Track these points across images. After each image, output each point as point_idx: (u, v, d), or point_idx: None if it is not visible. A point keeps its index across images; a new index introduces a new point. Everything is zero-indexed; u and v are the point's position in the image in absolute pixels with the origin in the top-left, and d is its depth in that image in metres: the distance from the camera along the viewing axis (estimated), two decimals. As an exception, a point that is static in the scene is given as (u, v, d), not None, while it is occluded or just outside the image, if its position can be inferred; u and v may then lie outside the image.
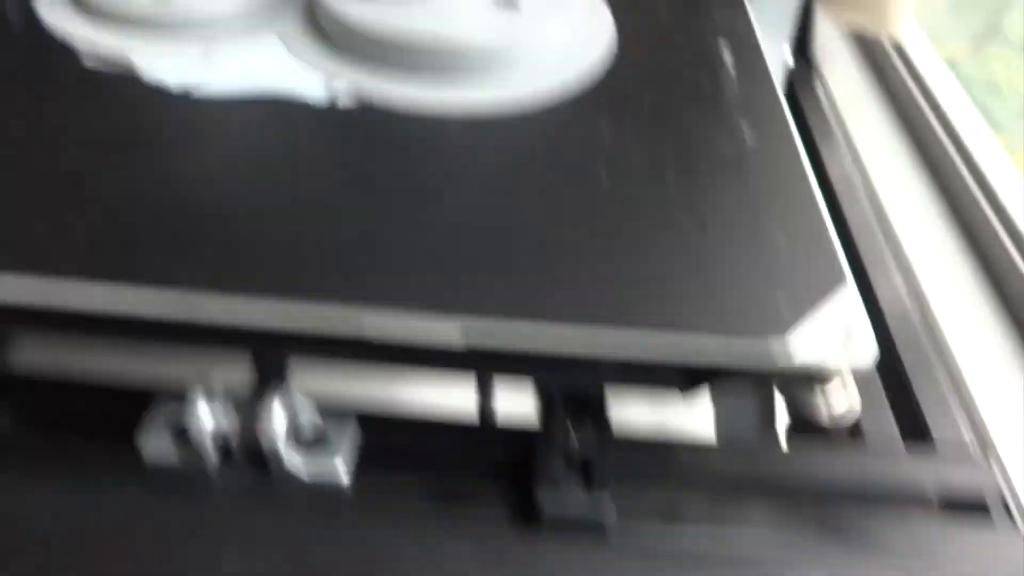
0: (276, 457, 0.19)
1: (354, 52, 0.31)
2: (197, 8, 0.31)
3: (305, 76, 0.30)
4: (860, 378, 0.23)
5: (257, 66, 0.30)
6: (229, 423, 0.20)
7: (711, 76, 0.32)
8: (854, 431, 0.23)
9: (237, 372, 0.22)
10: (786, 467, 0.22)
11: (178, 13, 0.31)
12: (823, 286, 0.22)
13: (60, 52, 0.31)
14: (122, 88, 0.29)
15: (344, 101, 0.29)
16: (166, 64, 0.30)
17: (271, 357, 0.23)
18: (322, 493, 0.20)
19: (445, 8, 0.31)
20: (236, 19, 0.32)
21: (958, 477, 0.22)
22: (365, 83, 0.30)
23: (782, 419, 0.25)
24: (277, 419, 0.19)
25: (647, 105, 0.30)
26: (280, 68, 0.30)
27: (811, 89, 0.46)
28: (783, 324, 0.20)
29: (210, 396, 0.20)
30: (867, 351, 0.20)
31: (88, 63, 0.30)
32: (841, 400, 0.22)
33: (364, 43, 0.30)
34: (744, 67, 0.33)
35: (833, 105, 0.45)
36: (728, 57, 0.33)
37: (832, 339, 0.20)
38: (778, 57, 0.45)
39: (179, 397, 0.20)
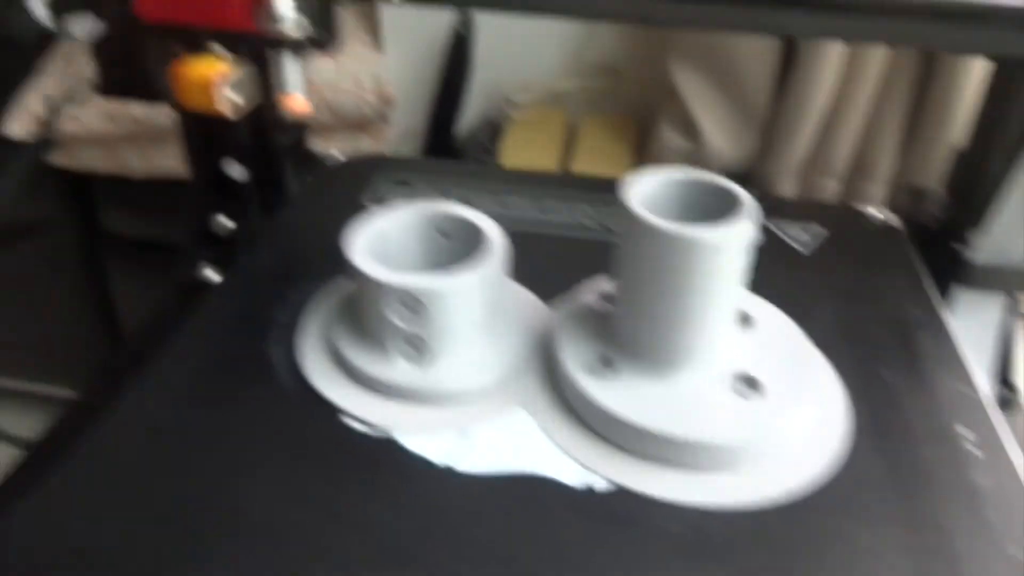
0: None
1: (603, 434, 0.32)
2: (453, 383, 0.33)
3: (558, 458, 0.31)
4: None
5: (512, 446, 0.32)
6: None
7: (955, 467, 0.32)
8: None
9: None
10: None
11: (435, 386, 0.33)
12: None
13: (326, 414, 0.33)
14: (384, 456, 0.31)
15: (599, 485, 0.30)
16: (426, 438, 0.32)
17: None
18: None
19: (689, 395, 0.32)
20: (489, 393, 0.34)
21: None
22: (614, 467, 0.31)
23: None
24: None
25: (894, 499, 0.30)
26: (534, 449, 0.32)
27: (1018, 419, 0.45)
28: None
29: None
30: None
31: (352, 426, 0.33)
32: None
33: (608, 426, 0.32)
34: (989, 452, 0.33)
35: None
36: (970, 443, 0.33)
37: None
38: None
39: None
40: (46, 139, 0.46)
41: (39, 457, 0.40)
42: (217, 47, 0.36)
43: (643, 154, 0.79)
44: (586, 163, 0.77)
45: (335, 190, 0.50)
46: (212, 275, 0.52)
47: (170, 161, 0.92)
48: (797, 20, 0.39)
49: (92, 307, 1.13)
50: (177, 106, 0.42)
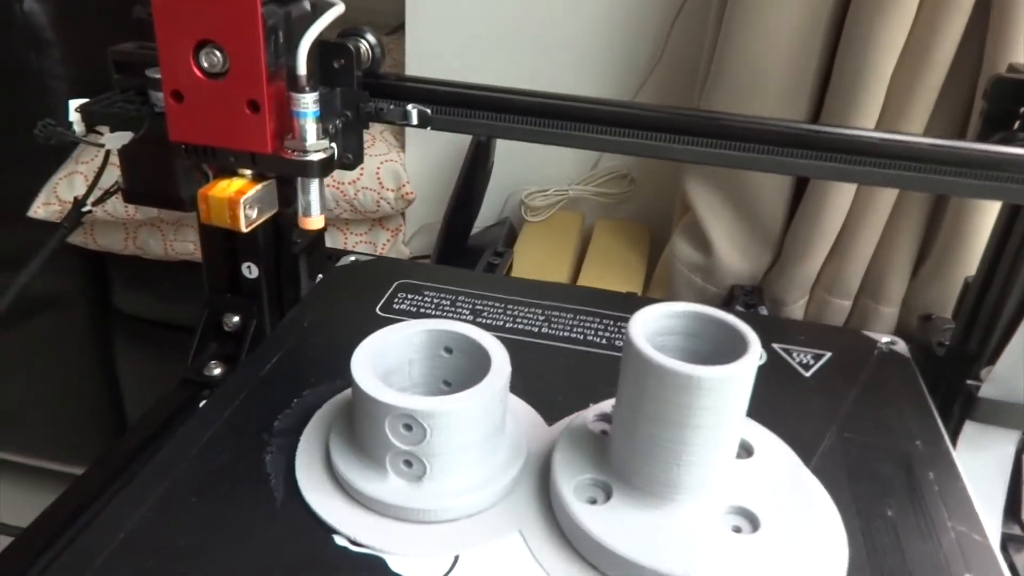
0: None
1: (594, 563, 0.31)
2: (449, 504, 0.33)
3: (548, 589, 0.31)
4: None
5: (501, 572, 0.31)
6: None
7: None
8: None
9: None
10: None
11: (430, 507, 0.33)
12: None
13: (316, 530, 0.33)
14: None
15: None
16: (415, 560, 0.32)
17: None
18: None
19: (684, 528, 0.32)
20: (485, 515, 0.33)
21: None
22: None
23: None
24: None
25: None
26: (523, 575, 0.31)
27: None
28: None
29: None
30: None
31: (340, 542, 0.32)
32: None
33: (600, 556, 0.31)
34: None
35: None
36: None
37: None
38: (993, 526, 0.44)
39: None
40: (70, 230, 0.48)
41: (23, 550, 0.40)
42: (240, 168, 0.37)
43: (655, 262, 0.80)
44: (598, 268, 0.78)
45: (343, 293, 0.51)
46: (219, 371, 0.52)
47: (188, 245, 0.94)
48: (808, 164, 0.40)
49: (99, 384, 1.14)
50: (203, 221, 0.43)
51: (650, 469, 0.32)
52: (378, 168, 0.86)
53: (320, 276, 0.56)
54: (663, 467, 0.32)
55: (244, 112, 0.34)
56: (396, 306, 0.49)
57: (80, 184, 0.88)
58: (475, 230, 0.88)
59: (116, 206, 0.88)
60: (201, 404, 0.50)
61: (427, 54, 0.84)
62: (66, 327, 1.08)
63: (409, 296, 0.51)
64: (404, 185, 0.86)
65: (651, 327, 0.33)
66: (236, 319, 0.53)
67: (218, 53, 0.34)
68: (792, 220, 0.65)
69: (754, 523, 0.32)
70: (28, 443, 1.18)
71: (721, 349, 0.32)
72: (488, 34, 0.84)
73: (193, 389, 0.52)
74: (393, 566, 0.31)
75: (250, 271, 0.51)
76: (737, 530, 0.32)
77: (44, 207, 0.88)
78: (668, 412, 0.31)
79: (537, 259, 0.79)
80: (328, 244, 0.59)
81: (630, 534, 0.31)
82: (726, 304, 0.68)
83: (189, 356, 0.53)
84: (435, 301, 0.50)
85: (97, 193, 0.47)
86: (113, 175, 0.46)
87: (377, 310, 0.49)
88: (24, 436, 1.17)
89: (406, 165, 0.88)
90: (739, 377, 0.30)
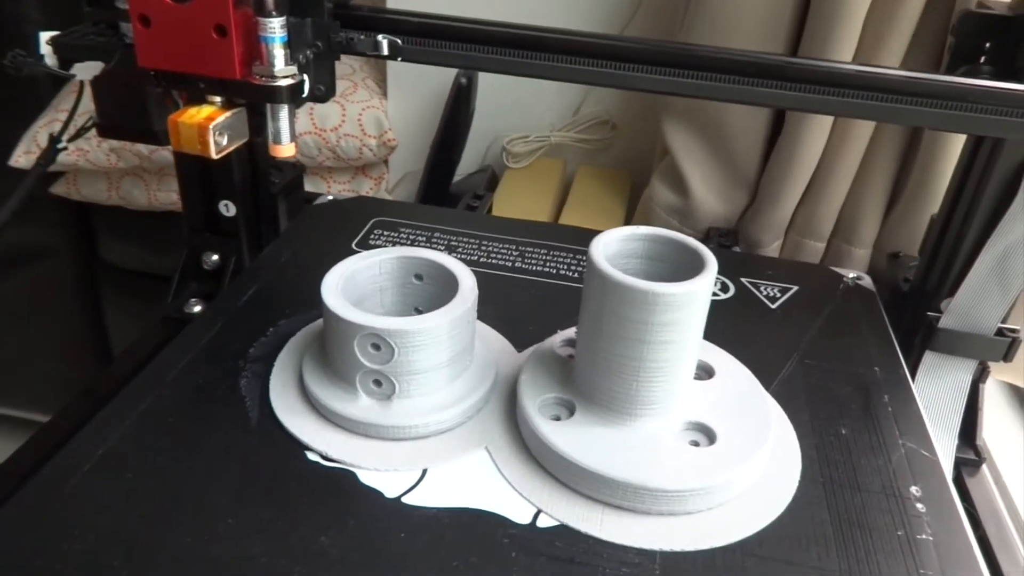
0: None
1: (556, 475, 0.33)
2: (416, 422, 0.34)
3: (510, 496, 0.32)
4: None
5: (466, 483, 0.33)
6: None
7: (899, 517, 0.32)
8: None
9: None
10: None
11: (398, 424, 0.34)
12: None
13: (289, 448, 0.34)
14: (341, 490, 0.32)
15: (545, 523, 0.31)
16: (383, 473, 0.33)
17: None
18: None
19: (643, 442, 0.33)
20: (451, 432, 0.35)
21: None
22: (563, 507, 0.32)
23: None
24: None
25: (834, 549, 0.31)
26: (487, 487, 0.32)
27: (981, 480, 0.46)
28: None
29: None
30: None
31: (313, 458, 0.33)
32: None
33: (560, 467, 0.32)
34: (933, 506, 0.33)
35: (1005, 493, 0.46)
36: (918, 501, 0.34)
37: None
38: (947, 450, 0.46)
39: None
40: (45, 167, 0.48)
41: (7, 477, 0.41)
42: (210, 95, 0.38)
43: (635, 208, 0.80)
44: (578, 214, 0.78)
45: (320, 229, 0.52)
46: (200, 309, 0.53)
47: (171, 195, 0.94)
48: (784, 95, 0.41)
49: (86, 335, 1.14)
50: (177, 152, 0.44)
51: (611, 386, 0.33)
52: (360, 115, 0.86)
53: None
54: (623, 383, 0.33)
55: (211, 37, 0.35)
56: (372, 242, 0.50)
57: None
58: (457, 177, 0.88)
59: (98, 155, 0.88)
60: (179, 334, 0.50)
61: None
62: (52, 279, 1.08)
63: (385, 232, 0.51)
64: (386, 132, 0.86)
65: (612, 249, 0.34)
66: (215, 257, 0.54)
67: (185, -22, 0.34)
68: (767, 163, 0.66)
69: (711, 438, 0.34)
70: (15, 395, 1.19)
71: (681, 271, 0.33)
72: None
73: (174, 327, 0.52)
74: (363, 479, 0.32)
75: (228, 209, 0.52)
76: (695, 444, 0.34)
77: (25, 156, 0.88)
78: (627, 329, 0.32)
79: (517, 204, 0.80)
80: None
81: (592, 447, 0.32)
82: (701, 245, 0.69)
83: (169, 295, 0.54)
84: (411, 237, 0.51)
85: (71, 132, 0.47)
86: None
87: (353, 245, 0.50)
88: (12, 388, 1.18)
89: (388, 112, 0.88)
90: (695, 293, 0.31)
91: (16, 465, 0.41)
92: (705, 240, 0.68)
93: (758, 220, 0.67)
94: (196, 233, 0.54)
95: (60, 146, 0.47)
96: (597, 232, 0.34)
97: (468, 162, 0.91)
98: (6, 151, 0.89)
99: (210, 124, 0.37)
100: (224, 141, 0.38)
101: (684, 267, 0.33)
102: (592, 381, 0.34)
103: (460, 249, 0.50)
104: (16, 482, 0.40)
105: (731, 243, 0.67)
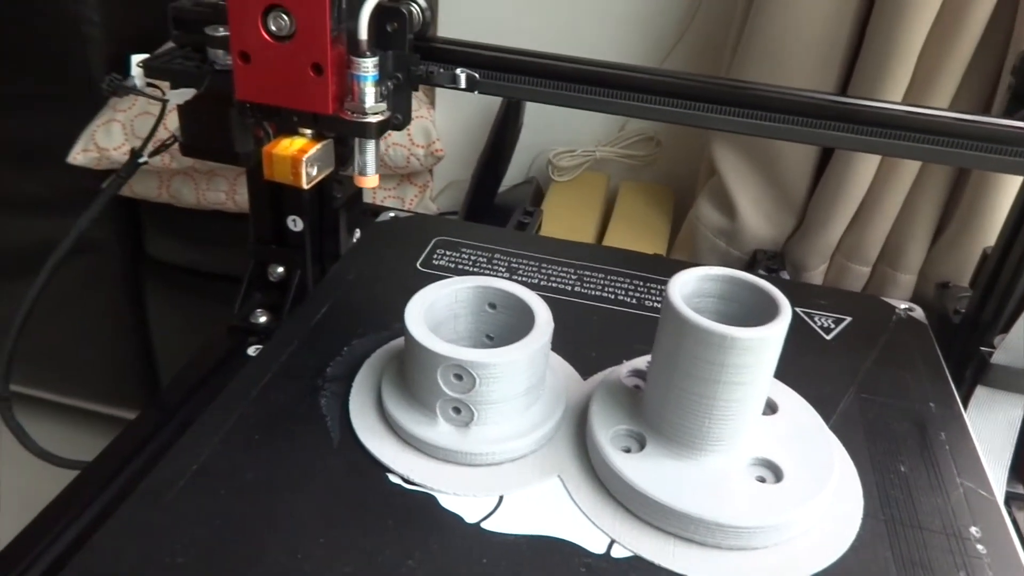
0: None
1: (628, 506, 0.34)
2: (494, 449, 0.35)
3: (584, 525, 0.33)
4: None
5: (541, 510, 0.34)
6: None
7: (960, 558, 0.33)
8: None
9: None
10: None
11: (476, 451, 0.35)
12: None
13: (370, 469, 0.35)
14: (422, 513, 0.34)
15: (619, 554, 0.32)
16: (462, 498, 0.34)
17: None
18: None
19: (712, 477, 0.34)
20: (526, 459, 0.36)
21: None
22: (636, 538, 0.33)
23: None
24: None
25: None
26: (562, 515, 0.34)
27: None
28: None
29: None
30: None
31: (394, 480, 0.35)
32: None
33: (633, 499, 0.34)
34: (993, 548, 0.34)
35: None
36: (978, 542, 0.35)
37: None
38: (999, 485, 0.47)
39: None
40: (125, 179, 0.50)
41: (88, 484, 0.43)
42: (302, 127, 0.39)
43: (678, 224, 0.82)
44: (623, 230, 0.80)
45: (385, 248, 0.53)
46: (264, 319, 0.55)
47: (219, 194, 0.96)
48: (834, 135, 0.42)
49: (130, 327, 1.17)
50: (251, 170, 0.45)
51: (682, 422, 0.34)
52: (409, 124, 0.88)
53: (358, 231, 0.59)
54: (695, 420, 0.34)
55: (308, 74, 0.36)
56: (436, 262, 0.52)
57: (117, 132, 0.90)
58: (502, 188, 0.89)
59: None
60: (249, 350, 0.52)
61: (459, 14, 0.85)
62: (99, 271, 1.11)
63: (448, 252, 0.53)
64: (434, 142, 0.87)
65: (688, 289, 0.35)
66: (280, 269, 0.55)
67: (285, 17, 0.35)
68: (816, 187, 0.67)
69: (777, 474, 0.35)
70: (60, 381, 1.22)
71: (753, 312, 0.35)
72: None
73: (239, 336, 0.54)
74: (444, 503, 0.34)
75: (295, 224, 0.54)
76: (761, 480, 0.35)
77: (83, 154, 0.90)
78: (701, 369, 0.33)
79: (564, 219, 0.81)
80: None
81: (662, 480, 0.34)
82: (749, 268, 0.70)
83: (236, 305, 0.56)
84: (472, 258, 0.52)
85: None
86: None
87: (418, 265, 0.51)
88: (57, 374, 1.21)
89: (436, 122, 0.89)
90: (770, 339, 0.32)
91: (101, 467, 0.43)
92: (752, 263, 0.69)
93: (805, 244, 0.68)
94: (263, 246, 0.55)
95: (141, 160, 0.49)
96: (650, 256, 0.35)
97: (513, 174, 0.92)
98: (56, 143, 0.92)
99: (303, 156, 0.38)
100: (314, 172, 0.40)
101: (756, 309, 0.35)
102: (663, 415, 0.35)
103: (520, 271, 0.51)
104: (102, 484, 0.42)
105: (778, 267, 0.68)
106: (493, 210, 0.86)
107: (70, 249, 0.52)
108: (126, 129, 0.90)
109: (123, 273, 1.12)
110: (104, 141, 0.90)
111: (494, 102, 0.84)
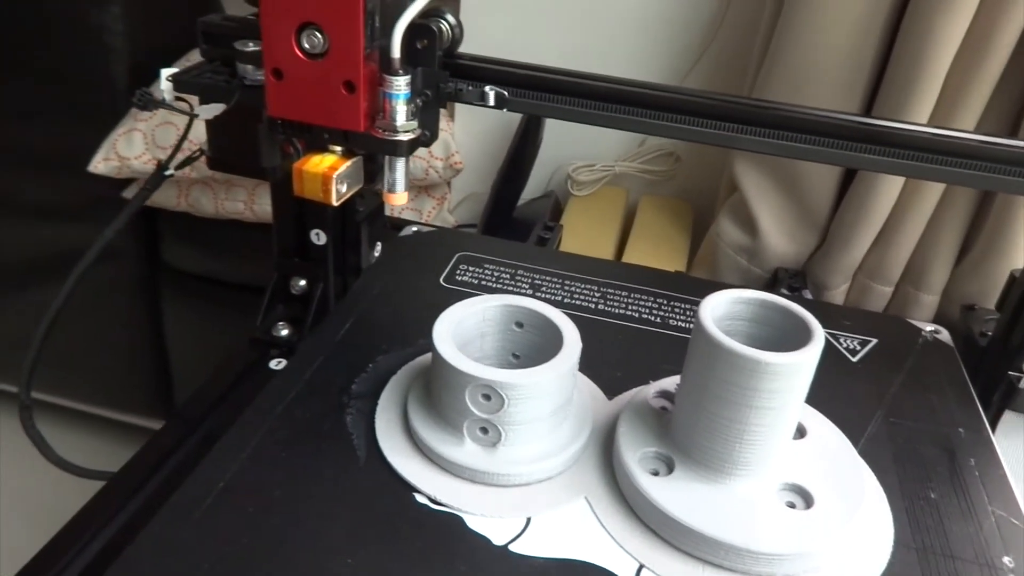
0: None
1: (656, 530, 0.34)
2: (522, 469, 0.35)
3: (612, 548, 0.33)
4: None
5: (569, 533, 0.34)
6: None
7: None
8: None
9: None
10: None
11: (504, 471, 0.35)
12: None
13: (397, 488, 0.35)
14: (449, 533, 0.33)
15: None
16: (490, 519, 0.34)
17: None
18: None
19: (742, 502, 0.34)
20: (553, 481, 0.36)
21: None
22: (664, 562, 0.33)
23: None
24: None
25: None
26: (589, 538, 0.34)
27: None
28: None
29: None
30: None
31: (421, 500, 0.35)
32: None
33: (662, 523, 0.33)
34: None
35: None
36: (1008, 562, 0.34)
37: None
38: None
39: None
40: (151, 191, 0.50)
41: (114, 496, 0.43)
42: (333, 144, 0.39)
43: (698, 240, 0.81)
44: (643, 246, 0.79)
45: (407, 263, 0.53)
46: (286, 332, 0.55)
47: (237, 204, 0.97)
48: (858, 156, 0.41)
49: (146, 335, 1.17)
50: (276, 184, 0.45)
51: (712, 445, 0.34)
52: (429, 137, 0.88)
53: (379, 245, 0.59)
54: (725, 444, 0.34)
55: (340, 92, 0.36)
56: (459, 277, 0.52)
57: (139, 141, 0.90)
58: (520, 201, 0.89)
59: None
60: (271, 362, 0.52)
61: (477, 30, 0.85)
62: (116, 278, 1.11)
63: (471, 268, 0.53)
64: (453, 155, 0.88)
65: (720, 311, 0.35)
66: (303, 283, 0.55)
67: (319, 35, 0.35)
68: (840, 206, 0.67)
69: (807, 500, 0.34)
70: (77, 387, 1.22)
71: (785, 336, 0.34)
72: (536, 10, 0.85)
73: (262, 348, 0.54)
74: (471, 524, 0.34)
75: (318, 238, 0.53)
76: (791, 506, 0.34)
77: (104, 163, 0.90)
78: (733, 393, 0.33)
79: (584, 233, 0.81)
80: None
81: (692, 505, 0.33)
82: (770, 286, 0.70)
83: (258, 317, 0.56)
84: (495, 274, 0.52)
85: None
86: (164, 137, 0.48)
87: (441, 281, 0.51)
88: (74, 380, 1.21)
89: (455, 135, 0.89)
90: (803, 364, 0.32)
91: (126, 479, 0.43)
92: (774, 281, 0.69)
93: (827, 263, 0.68)
94: (286, 259, 0.55)
95: (167, 173, 0.49)
96: (672, 273, 0.35)
97: (531, 187, 0.92)
98: (77, 151, 0.92)
99: (333, 174, 0.38)
100: (344, 189, 0.40)
101: (788, 332, 0.34)
102: (692, 439, 0.35)
103: (544, 288, 0.51)
104: (127, 496, 0.42)
105: (800, 285, 0.68)
106: (512, 223, 0.86)
107: (68, 254, 0.52)
108: (147, 138, 0.90)
109: (140, 281, 1.13)
110: (125, 150, 0.90)
111: (513, 116, 0.84)
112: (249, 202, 0.95)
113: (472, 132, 0.93)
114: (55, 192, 1.03)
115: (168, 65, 0.44)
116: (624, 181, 0.92)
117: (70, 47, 0.96)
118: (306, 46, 0.36)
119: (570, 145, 0.90)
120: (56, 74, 0.96)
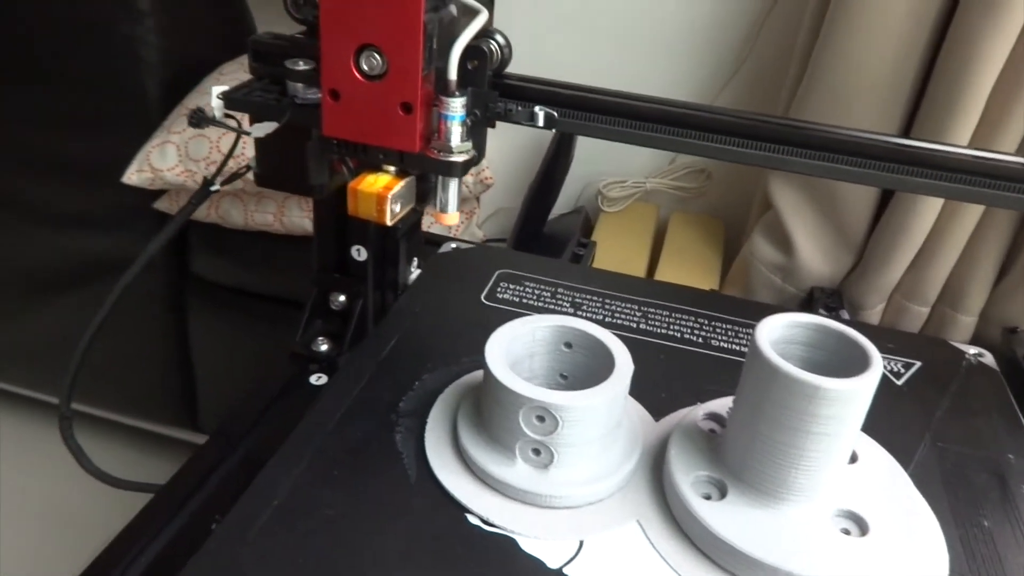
0: None
1: (709, 555, 0.34)
2: (574, 491, 0.35)
3: (666, 573, 0.33)
4: None
5: (622, 557, 0.34)
6: None
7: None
8: None
9: None
10: None
11: (556, 493, 0.35)
12: None
13: (449, 508, 0.35)
14: (501, 555, 0.33)
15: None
16: (542, 541, 0.34)
17: None
18: None
19: (797, 528, 0.34)
20: (605, 503, 0.36)
21: None
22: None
23: None
24: None
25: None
26: (642, 562, 0.33)
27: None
28: None
29: None
30: None
31: (473, 521, 0.35)
32: None
33: (715, 549, 0.33)
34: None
35: None
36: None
37: None
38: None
39: None
40: (196, 206, 0.51)
41: (160, 510, 0.43)
42: (387, 164, 0.39)
43: (729, 257, 0.81)
44: (675, 261, 0.79)
45: (448, 280, 0.53)
46: (325, 347, 0.55)
47: (267, 216, 0.97)
48: (897, 178, 0.41)
49: (171, 343, 1.18)
50: (320, 200, 0.46)
51: (767, 470, 0.34)
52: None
53: (415, 260, 0.59)
54: (780, 469, 0.34)
55: (396, 113, 0.36)
56: (499, 295, 0.52)
57: (172, 153, 0.91)
58: (550, 216, 0.89)
59: (203, 176, 0.91)
60: (311, 378, 0.52)
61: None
62: (145, 288, 1.12)
63: (511, 286, 0.53)
64: (484, 170, 0.88)
65: (775, 335, 0.35)
66: (342, 298, 0.56)
67: (378, 56, 0.36)
68: (877, 225, 0.66)
69: (862, 527, 0.34)
70: (104, 396, 1.23)
71: (840, 361, 0.34)
72: (569, 27, 0.86)
73: (301, 363, 0.55)
74: (524, 546, 0.34)
75: (359, 253, 0.54)
76: (846, 532, 0.34)
77: (137, 174, 0.91)
78: (789, 418, 0.32)
79: (615, 250, 0.81)
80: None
81: (746, 530, 0.33)
82: (806, 306, 0.70)
83: (297, 331, 0.56)
84: (536, 292, 0.52)
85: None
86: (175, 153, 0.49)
87: (482, 298, 0.51)
88: (100, 389, 1.22)
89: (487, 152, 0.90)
90: (861, 390, 0.32)
91: (172, 492, 0.44)
92: (809, 300, 0.69)
93: (864, 283, 0.68)
94: (326, 274, 0.56)
95: (213, 188, 0.50)
96: (713, 292, 0.35)
97: (561, 202, 0.92)
98: (109, 162, 0.93)
99: (388, 194, 0.38)
100: (398, 208, 0.40)
101: (843, 358, 0.34)
102: (746, 463, 0.35)
103: (585, 307, 0.51)
104: (171, 512, 0.42)
105: (837, 305, 0.68)
106: (542, 238, 0.86)
107: (96, 263, 0.52)
108: (180, 151, 0.91)
109: (168, 291, 1.13)
110: (159, 162, 0.91)
111: (541, 133, 0.84)
112: (278, 214, 0.96)
113: (502, 148, 0.93)
114: (86, 202, 1.04)
115: (199, 78, 0.44)
116: (655, 197, 0.92)
117: (103, 58, 0.97)
118: (364, 68, 0.36)
119: (600, 161, 0.90)
120: (88, 84, 0.97)
